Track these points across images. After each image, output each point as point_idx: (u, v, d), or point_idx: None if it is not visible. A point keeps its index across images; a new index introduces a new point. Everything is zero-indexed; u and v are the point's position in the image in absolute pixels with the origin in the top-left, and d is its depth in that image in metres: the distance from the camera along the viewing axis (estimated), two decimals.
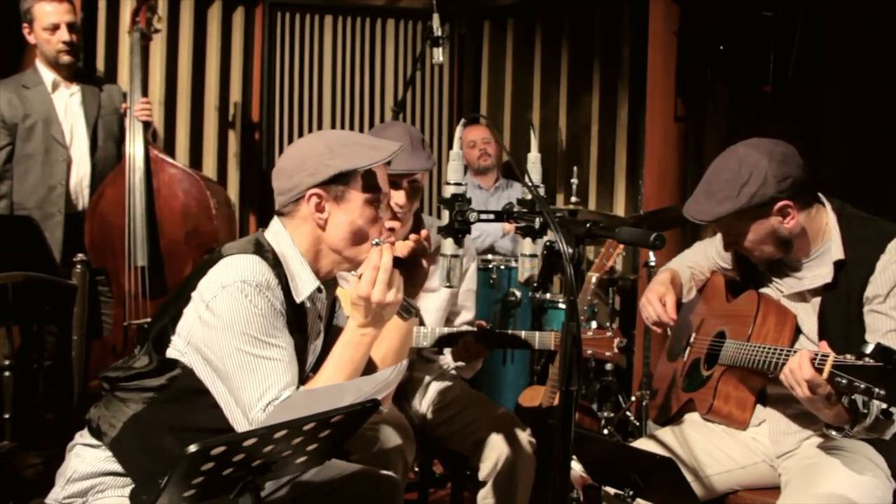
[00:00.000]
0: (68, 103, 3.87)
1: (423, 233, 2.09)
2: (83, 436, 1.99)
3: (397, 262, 1.97)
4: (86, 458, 1.94)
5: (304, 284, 1.97)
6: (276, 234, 2.00)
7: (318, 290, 2.01)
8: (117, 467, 1.93)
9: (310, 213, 1.96)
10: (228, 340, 1.85)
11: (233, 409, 1.88)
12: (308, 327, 2.04)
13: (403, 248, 2.04)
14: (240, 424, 1.87)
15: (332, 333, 2.15)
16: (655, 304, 2.50)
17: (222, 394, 1.89)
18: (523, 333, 2.71)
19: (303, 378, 2.02)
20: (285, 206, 1.99)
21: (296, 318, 1.97)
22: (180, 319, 1.91)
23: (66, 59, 3.79)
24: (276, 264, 1.93)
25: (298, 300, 1.96)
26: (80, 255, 2.87)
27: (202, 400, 1.91)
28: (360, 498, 2.14)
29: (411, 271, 2.06)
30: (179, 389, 1.92)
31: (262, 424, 1.77)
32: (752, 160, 2.21)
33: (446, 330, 2.76)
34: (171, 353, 1.92)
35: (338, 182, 1.95)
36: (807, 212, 2.26)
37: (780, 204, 2.20)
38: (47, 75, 3.83)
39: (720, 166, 2.27)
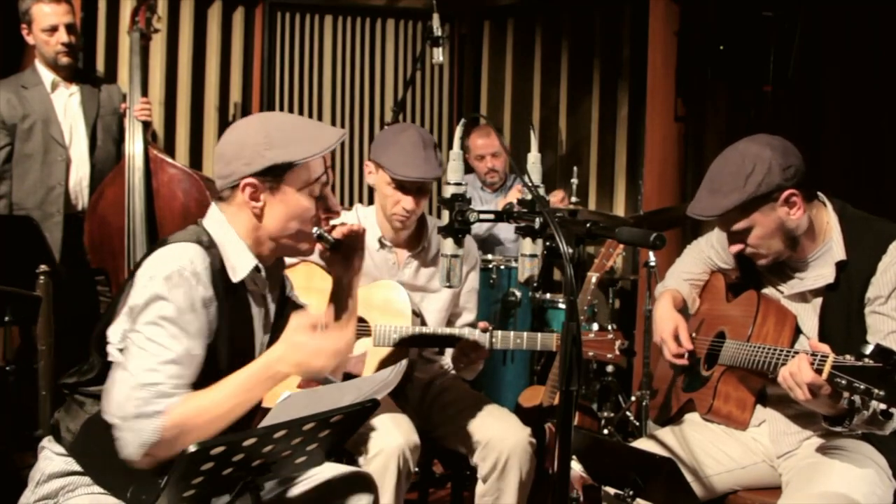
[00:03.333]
0: (67, 103, 3.87)
1: (358, 226, 2.17)
2: (49, 439, 1.99)
3: (336, 245, 2.08)
4: (52, 459, 1.94)
5: (241, 264, 1.96)
6: (214, 220, 1.98)
7: (257, 269, 1.99)
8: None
9: (245, 201, 1.95)
10: (137, 325, 1.82)
11: (113, 378, 1.82)
12: (250, 307, 2.02)
13: (339, 232, 2.12)
14: (111, 404, 1.80)
15: (289, 309, 2.16)
16: (670, 343, 2.50)
17: (116, 376, 1.83)
18: (525, 335, 2.71)
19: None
20: (223, 191, 1.98)
21: (235, 299, 1.96)
22: (115, 319, 1.89)
23: (64, 60, 3.79)
24: (210, 247, 1.92)
25: (235, 279, 1.94)
26: (44, 266, 2.82)
27: None
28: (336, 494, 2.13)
29: (348, 255, 2.15)
30: None
31: (135, 409, 1.74)
32: (754, 151, 2.21)
33: (447, 330, 2.76)
34: (111, 353, 1.89)
35: (273, 173, 1.93)
36: (809, 208, 2.26)
37: (786, 193, 2.20)
38: (46, 75, 3.82)
39: (721, 163, 2.27)
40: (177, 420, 1.77)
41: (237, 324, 1.97)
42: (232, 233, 1.96)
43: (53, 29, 3.74)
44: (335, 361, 1.89)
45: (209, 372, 1.88)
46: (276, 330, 2.11)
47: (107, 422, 1.83)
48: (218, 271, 1.91)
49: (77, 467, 1.92)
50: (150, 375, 1.78)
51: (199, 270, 1.86)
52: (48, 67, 3.82)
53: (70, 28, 3.78)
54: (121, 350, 1.85)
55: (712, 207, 2.25)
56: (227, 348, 1.94)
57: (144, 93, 3.91)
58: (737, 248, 2.32)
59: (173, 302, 1.81)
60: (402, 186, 2.76)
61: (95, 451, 1.89)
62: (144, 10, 3.95)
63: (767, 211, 2.22)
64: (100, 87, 3.97)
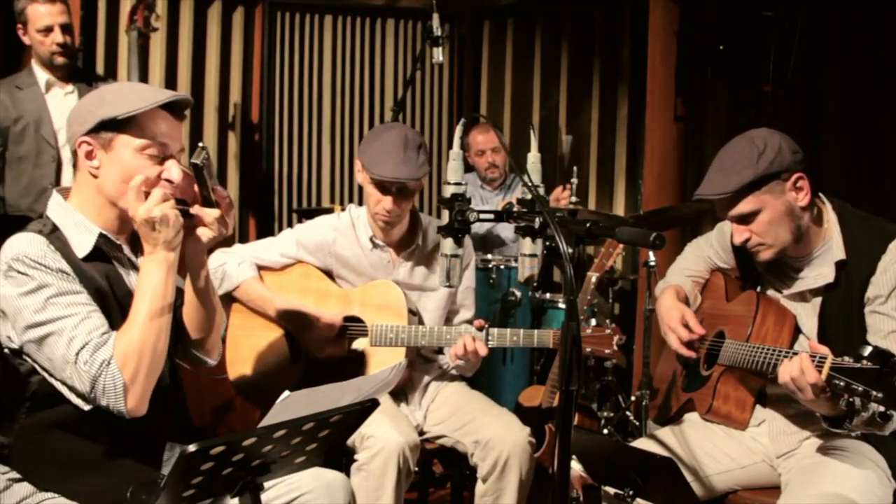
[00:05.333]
0: (63, 103, 3.83)
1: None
2: None
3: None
4: None
5: (84, 239, 1.96)
6: (53, 207, 2.00)
7: (104, 237, 1.99)
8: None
9: (82, 161, 1.96)
10: (28, 321, 1.85)
11: (59, 372, 1.86)
12: (122, 275, 2.03)
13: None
14: (71, 379, 1.85)
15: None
16: (680, 330, 2.47)
17: (47, 366, 1.88)
18: (521, 332, 2.71)
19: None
20: (73, 163, 2.00)
21: (102, 270, 1.97)
22: None
23: (60, 60, 3.75)
24: (52, 232, 1.94)
25: (81, 255, 1.94)
26: None
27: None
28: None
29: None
30: (39, 386, 1.91)
31: (89, 378, 1.81)
32: (764, 135, 2.24)
33: (445, 329, 2.76)
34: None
35: (105, 130, 1.94)
36: (812, 202, 2.26)
37: (795, 175, 2.21)
38: (41, 75, 3.80)
39: (731, 147, 2.28)
40: (124, 350, 1.84)
41: (118, 292, 1.98)
42: (71, 211, 1.98)
43: (48, 29, 3.71)
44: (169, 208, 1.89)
45: None
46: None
47: (37, 428, 1.88)
48: (66, 252, 1.92)
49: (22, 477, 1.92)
50: (75, 343, 1.84)
51: (38, 255, 1.87)
52: (44, 67, 3.80)
53: (65, 28, 3.74)
54: (12, 350, 1.88)
55: (723, 185, 2.23)
56: (118, 314, 1.95)
57: None
58: (742, 236, 2.27)
59: (43, 283, 1.85)
60: (381, 186, 2.73)
61: (35, 458, 1.90)
62: (143, 9, 3.94)
63: (777, 193, 2.21)
64: (97, 87, 3.95)
